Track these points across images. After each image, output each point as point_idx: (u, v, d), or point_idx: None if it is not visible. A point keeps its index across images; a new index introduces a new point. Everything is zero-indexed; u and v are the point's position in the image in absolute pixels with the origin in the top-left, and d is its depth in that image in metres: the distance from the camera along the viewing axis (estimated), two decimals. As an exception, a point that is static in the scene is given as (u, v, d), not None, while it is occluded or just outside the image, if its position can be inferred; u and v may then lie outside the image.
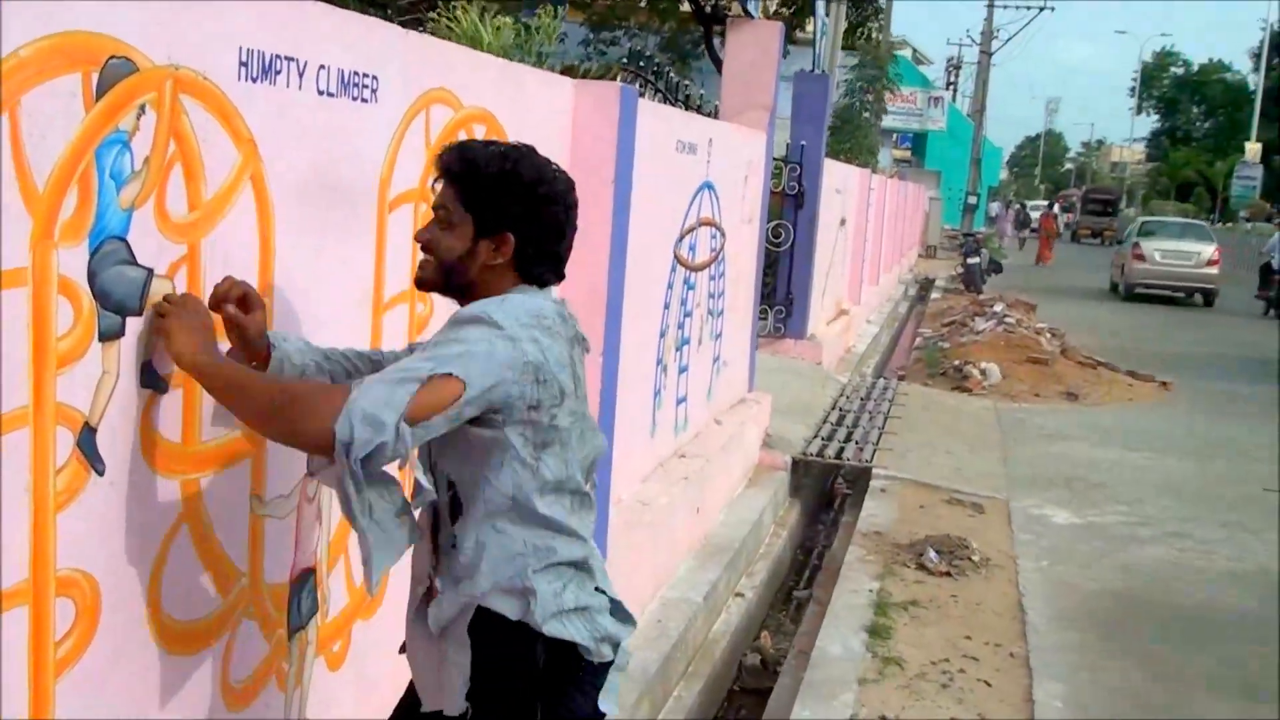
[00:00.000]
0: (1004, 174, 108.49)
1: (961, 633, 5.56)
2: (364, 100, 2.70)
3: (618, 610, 2.38)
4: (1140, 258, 25.34)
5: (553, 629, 2.25)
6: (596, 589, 2.34)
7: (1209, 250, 25.12)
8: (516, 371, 2.14)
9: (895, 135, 47.63)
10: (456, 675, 2.27)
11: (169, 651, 2.24)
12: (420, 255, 2.33)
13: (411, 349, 2.46)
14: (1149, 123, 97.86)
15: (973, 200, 44.74)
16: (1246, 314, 23.57)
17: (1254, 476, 9.43)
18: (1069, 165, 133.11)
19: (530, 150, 2.32)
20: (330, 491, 2.77)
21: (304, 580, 2.69)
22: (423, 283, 2.35)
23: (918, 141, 50.68)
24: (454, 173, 2.27)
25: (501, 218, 2.26)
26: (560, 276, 2.37)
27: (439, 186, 2.31)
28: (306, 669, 2.75)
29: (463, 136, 3.30)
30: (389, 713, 2.41)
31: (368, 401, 1.99)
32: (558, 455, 2.26)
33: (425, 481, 2.34)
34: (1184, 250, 25.27)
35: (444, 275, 2.30)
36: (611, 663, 2.36)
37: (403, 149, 2.94)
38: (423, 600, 2.35)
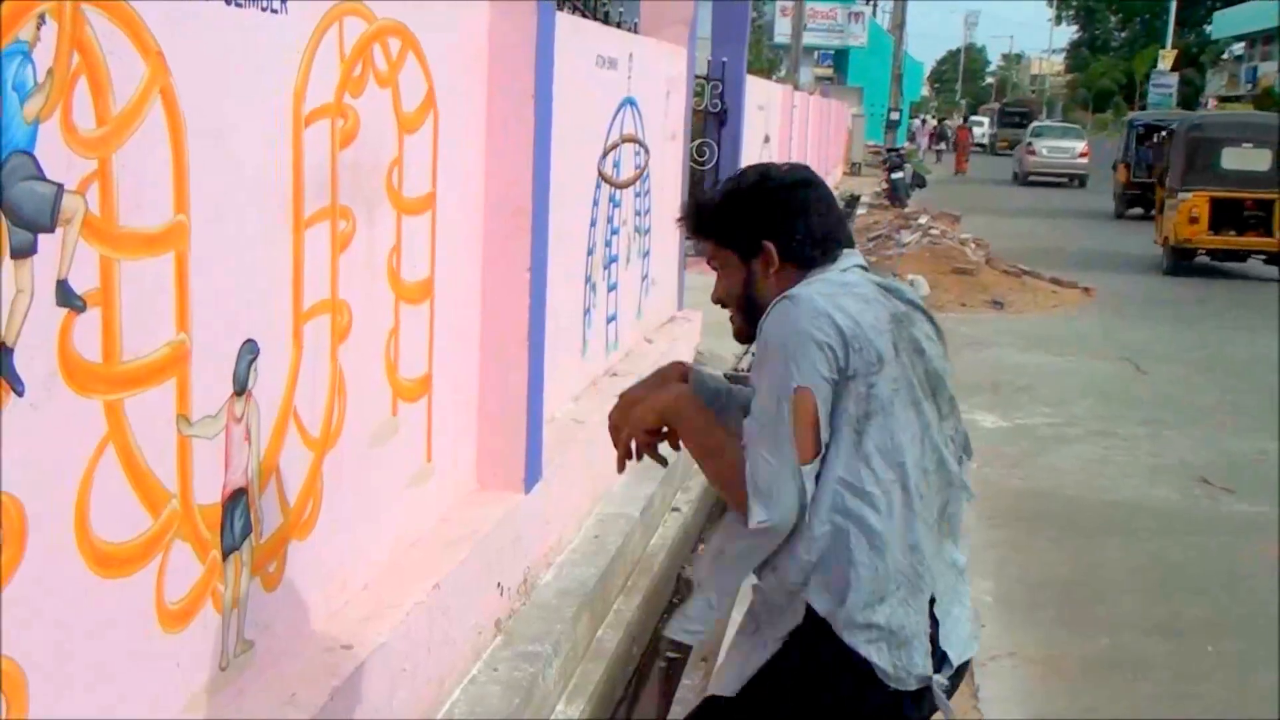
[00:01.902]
0: (925, 89, 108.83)
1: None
2: (274, 10, 2.64)
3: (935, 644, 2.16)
4: (1032, 152, 34.92)
5: (851, 638, 2.11)
6: (931, 606, 2.16)
7: (1080, 146, 34.77)
8: (831, 343, 2.10)
9: (816, 53, 47.52)
10: (751, 660, 2.23)
11: (100, 574, 2.21)
12: (729, 315, 2.46)
13: None
14: (1068, 33, 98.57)
15: (895, 116, 44.81)
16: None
17: (1172, 376, 9.65)
18: (989, 79, 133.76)
19: (749, 169, 2.45)
20: (260, 411, 2.75)
21: (236, 501, 2.67)
22: (741, 336, 2.42)
23: (839, 58, 50.65)
24: (695, 226, 2.43)
25: (751, 236, 2.33)
26: (841, 243, 2.35)
27: (704, 249, 2.45)
28: (242, 590, 2.74)
29: (377, 49, 3.25)
30: (324, 633, 2.40)
31: (764, 482, 2.08)
32: (881, 426, 2.13)
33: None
34: (1063, 146, 34.84)
35: (746, 310, 2.35)
36: (918, 692, 2.13)
37: (316, 62, 2.88)
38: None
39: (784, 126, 16.43)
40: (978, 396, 8.50)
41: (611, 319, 6.40)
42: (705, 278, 9.08)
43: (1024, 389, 8.88)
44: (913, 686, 2.11)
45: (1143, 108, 68.09)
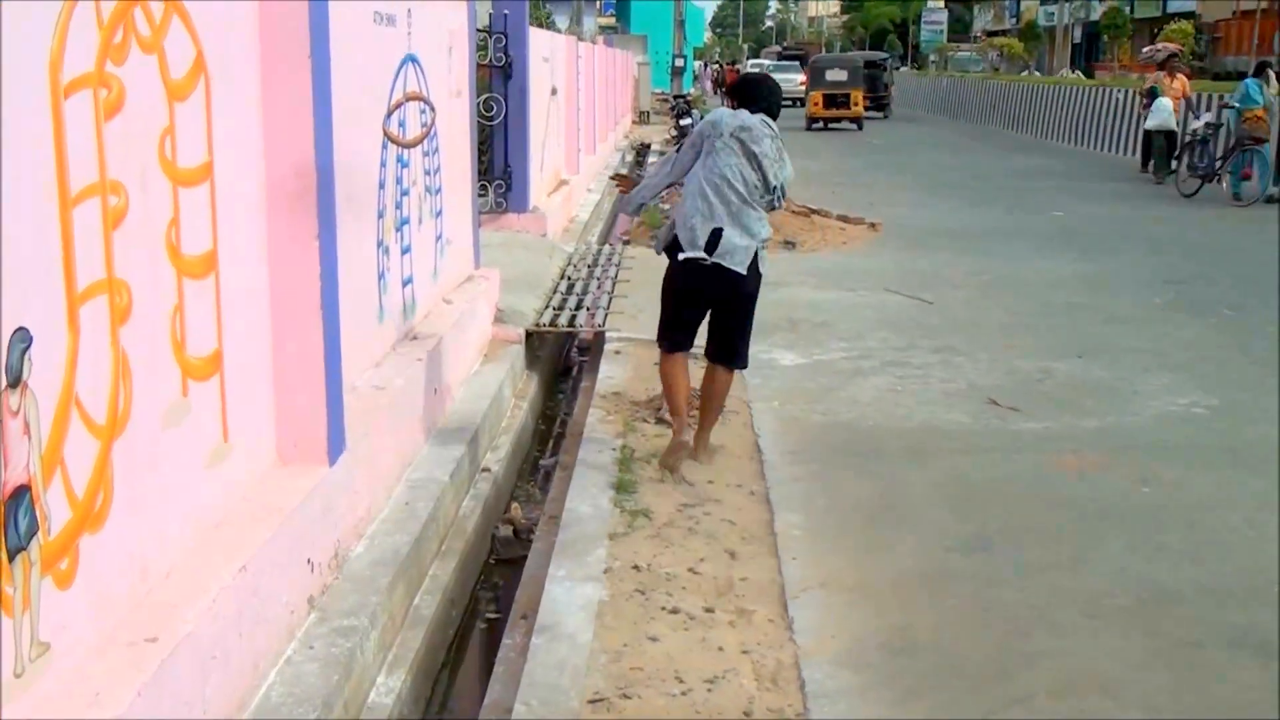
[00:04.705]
0: (708, 35, 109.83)
1: (704, 478, 5.73)
2: (19, -23, 2.48)
3: (711, 246, 5.46)
4: None
5: (676, 231, 5.56)
6: (713, 231, 5.43)
7: (800, 77, 44.02)
8: (704, 129, 5.59)
9: (599, 2, 47.40)
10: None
11: (-128, 588, 2.07)
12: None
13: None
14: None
15: (680, 63, 45.22)
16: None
17: (958, 303, 10.02)
18: (769, 23, 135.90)
19: (746, 73, 7.19)
20: (38, 402, 2.61)
21: (19, 498, 2.53)
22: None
23: (621, 7, 50.68)
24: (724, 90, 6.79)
25: (732, 94, 5.93)
26: (758, 110, 5.66)
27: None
28: (33, 591, 2.60)
29: (138, 14, 3.09)
30: (127, 626, 2.32)
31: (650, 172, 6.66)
32: (710, 162, 5.48)
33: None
34: (789, 78, 44.78)
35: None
36: (709, 267, 5.49)
37: (72, 30, 2.72)
38: None
39: (570, 77, 16.37)
40: (776, 335, 8.65)
41: (407, 282, 6.29)
42: (502, 234, 9.08)
43: (821, 325, 9.08)
44: (693, 255, 5.45)
45: (916, 45, 70.24)
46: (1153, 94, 19.93)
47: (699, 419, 5.90)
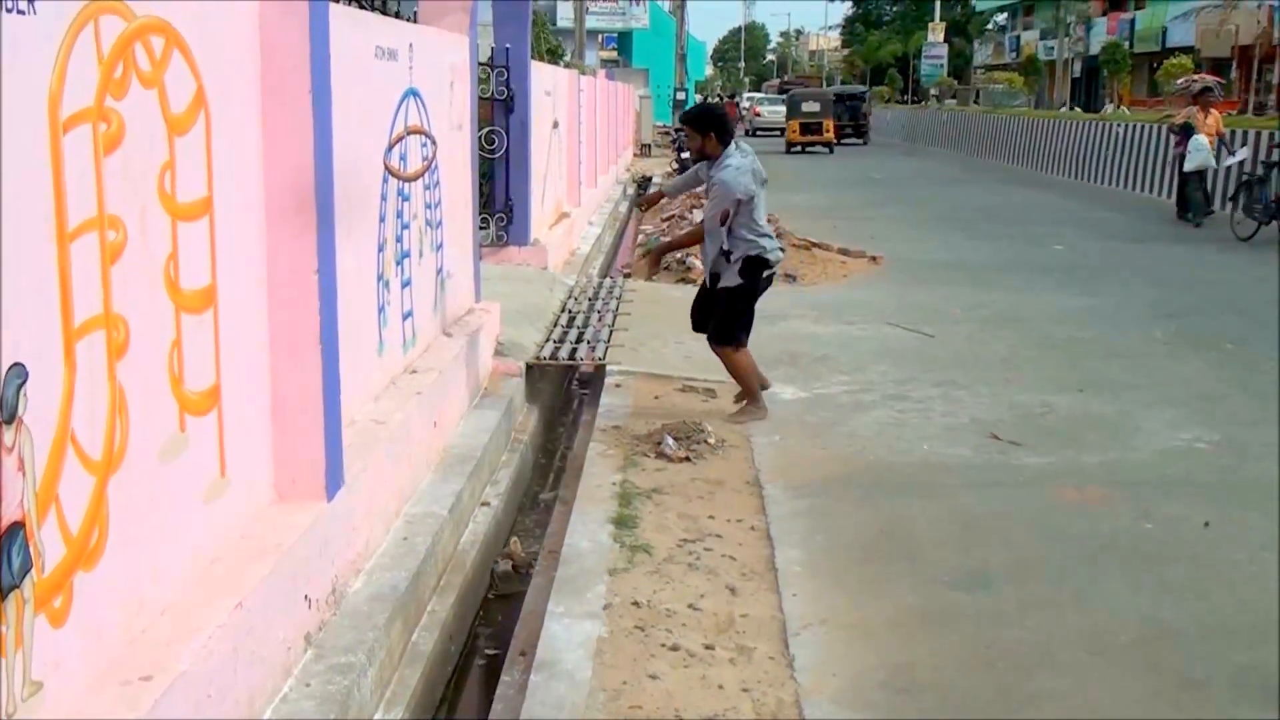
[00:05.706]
0: (709, 68, 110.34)
1: (705, 513, 5.70)
2: (20, 11, 2.48)
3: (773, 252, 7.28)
4: (758, 114, 56.44)
5: (762, 253, 7.19)
6: (776, 248, 7.30)
7: (784, 109, 46.28)
8: (737, 190, 7.05)
9: (600, 36, 47.72)
10: (732, 272, 7.23)
11: None
12: (690, 150, 7.73)
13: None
14: (842, 9, 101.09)
15: (681, 96, 45.44)
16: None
17: (959, 337, 10.00)
18: (771, 56, 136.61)
19: (707, 103, 10.44)
20: (33, 438, 2.59)
21: (12, 535, 2.51)
22: (694, 158, 7.64)
23: (623, 41, 51.02)
24: (684, 119, 7.63)
25: (706, 126, 7.26)
26: (727, 138, 7.21)
27: (685, 130, 7.65)
28: (26, 629, 2.58)
29: (139, 49, 3.09)
30: (121, 664, 2.30)
31: (709, 226, 7.28)
32: (756, 208, 7.13)
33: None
34: (776, 110, 51.84)
35: (699, 155, 7.37)
36: (770, 263, 7.28)
37: (72, 64, 2.72)
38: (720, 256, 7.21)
39: (572, 111, 16.42)
40: (777, 369, 8.61)
41: (407, 315, 6.28)
42: (502, 267, 9.07)
43: (821, 359, 9.05)
44: (774, 260, 7.30)
45: (918, 80, 70.57)
46: (1186, 130, 18.39)
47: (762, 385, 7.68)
